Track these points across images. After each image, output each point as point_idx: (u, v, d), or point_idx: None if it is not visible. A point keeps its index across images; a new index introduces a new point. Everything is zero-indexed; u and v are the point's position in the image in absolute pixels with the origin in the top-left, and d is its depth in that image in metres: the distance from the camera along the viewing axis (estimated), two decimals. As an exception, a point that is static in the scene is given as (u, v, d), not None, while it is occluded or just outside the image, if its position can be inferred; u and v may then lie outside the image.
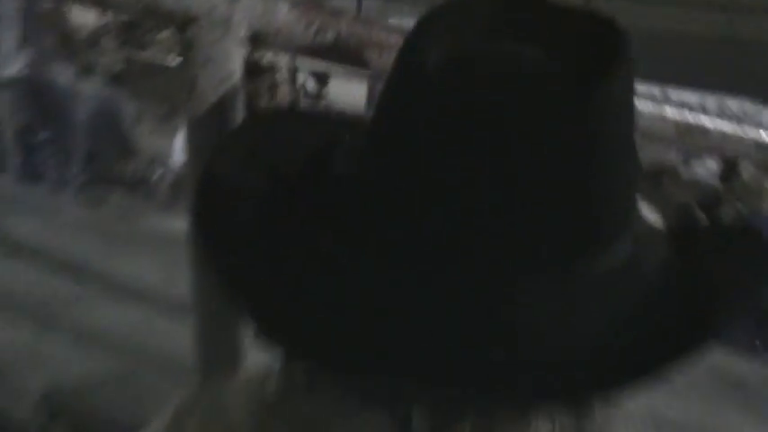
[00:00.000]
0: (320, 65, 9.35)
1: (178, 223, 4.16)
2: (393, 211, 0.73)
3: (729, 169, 7.36)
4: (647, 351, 0.72)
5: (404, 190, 0.73)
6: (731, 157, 8.25)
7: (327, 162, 0.81)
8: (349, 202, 0.76)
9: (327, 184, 0.79)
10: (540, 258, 0.72)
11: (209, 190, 0.87)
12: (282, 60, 8.09)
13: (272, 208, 0.81)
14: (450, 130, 0.71)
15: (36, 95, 7.06)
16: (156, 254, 4.64)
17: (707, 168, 9.25)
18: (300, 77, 9.59)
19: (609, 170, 0.74)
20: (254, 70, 6.32)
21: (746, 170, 7.05)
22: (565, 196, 0.72)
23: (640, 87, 0.76)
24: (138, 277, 4.42)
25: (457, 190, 0.71)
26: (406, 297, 0.72)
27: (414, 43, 0.76)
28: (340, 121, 0.82)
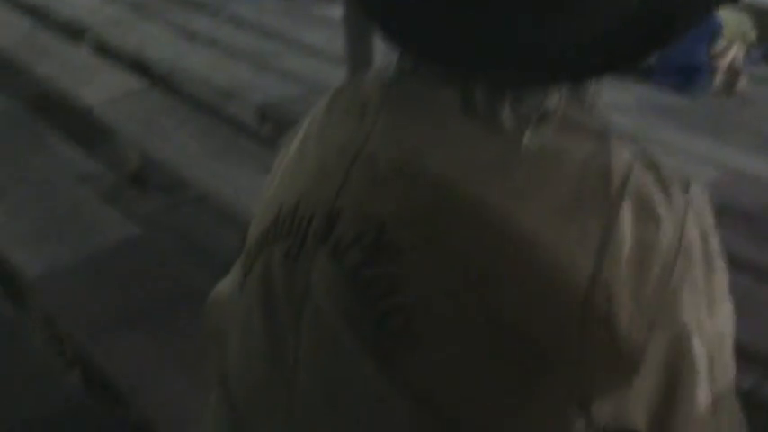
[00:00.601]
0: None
1: (335, 11, 4.55)
2: None
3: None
4: (624, 48, 0.74)
5: None
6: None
7: None
8: None
9: None
10: None
11: None
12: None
13: None
14: None
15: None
16: (323, 28, 5.25)
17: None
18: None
19: None
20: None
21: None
22: None
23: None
24: (318, 40, 5.42)
25: None
26: (474, 16, 0.75)
27: None
28: None
